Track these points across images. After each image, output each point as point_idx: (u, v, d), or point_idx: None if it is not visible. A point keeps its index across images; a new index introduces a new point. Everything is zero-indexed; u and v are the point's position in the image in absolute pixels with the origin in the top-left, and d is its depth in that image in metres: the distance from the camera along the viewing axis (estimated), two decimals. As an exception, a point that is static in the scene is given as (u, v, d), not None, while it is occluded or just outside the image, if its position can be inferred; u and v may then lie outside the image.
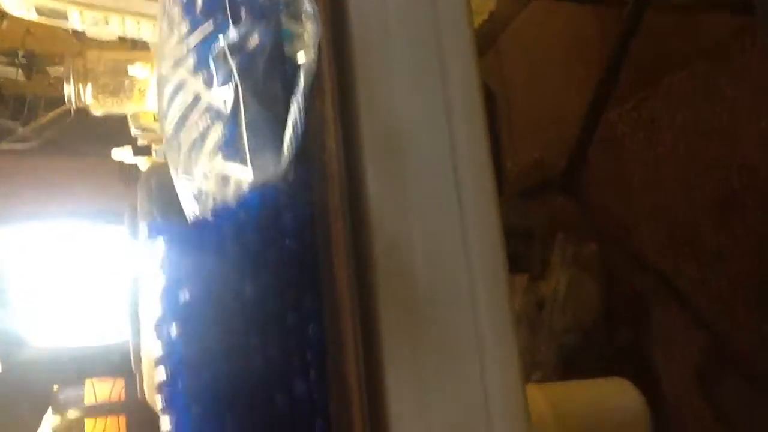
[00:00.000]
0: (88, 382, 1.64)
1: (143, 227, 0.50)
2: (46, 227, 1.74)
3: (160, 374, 0.48)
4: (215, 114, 0.53)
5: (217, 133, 0.53)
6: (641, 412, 1.33)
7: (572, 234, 1.60)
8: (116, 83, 1.36)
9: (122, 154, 1.49)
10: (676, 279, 1.36)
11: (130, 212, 1.46)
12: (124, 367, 1.60)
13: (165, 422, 0.47)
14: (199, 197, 0.57)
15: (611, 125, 1.51)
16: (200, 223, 0.51)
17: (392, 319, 0.53)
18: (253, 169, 0.51)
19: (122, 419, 1.61)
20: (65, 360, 1.69)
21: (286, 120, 0.52)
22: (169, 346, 0.48)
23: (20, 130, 1.67)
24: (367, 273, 0.54)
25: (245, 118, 0.51)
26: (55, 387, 1.64)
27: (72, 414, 1.61)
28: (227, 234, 0.51)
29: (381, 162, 0.55)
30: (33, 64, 1.95)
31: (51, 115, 1.66)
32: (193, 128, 0.55)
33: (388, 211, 0.54)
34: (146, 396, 1.19)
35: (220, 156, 0.52)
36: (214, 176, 0.53)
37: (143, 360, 1.30)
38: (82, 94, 1.33)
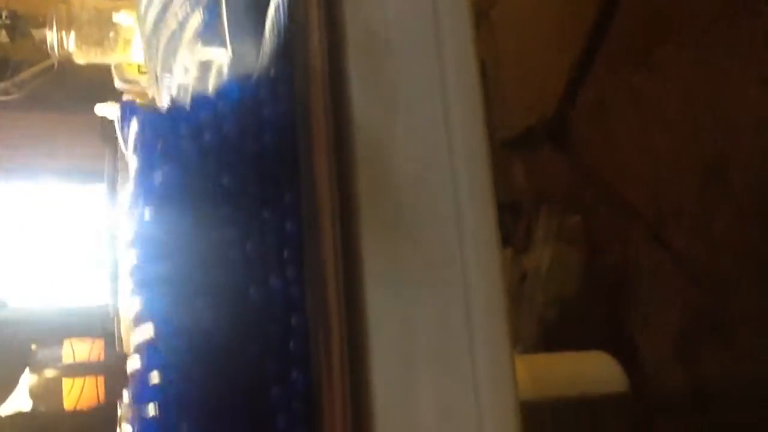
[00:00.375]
0: (66, 342, 1.62)
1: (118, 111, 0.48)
2: (26, 185, 1.71)
3: (131, 257, 0.46)
4: (195, 1, 0.52)
5: (196, 19, 0.51)
6: (621, 385, 1.33)
7: (557, 204, 1.59)
8: (100, 33, 1.34)
9: (106, 109, 1.46)
10: (660, 246, 1.36)
11: (110, 167, 1.44)
12: (104, 327, 1.58)
13: (135, 304, 0.46)
14: (178, 92, 0.55)
15: (600, 97, 1.51)
16: (176, 109, 0.49)
17: (372, 219, 0.52)
18: (233, 54, 0.49)
19: (100, 380, 1.58)
20: (44, 319, 1.67)
21: (267, 10, 0.51)
22: (141, 227, 0.46)
23: (3, 84, 1.65)
24: (348, 172, 0.52)
25: (225, 4, 0.50)
26: (33, 346, 1.62)
27: (50, 373, 1.58)
28: (204, 122, 0.49)
29: (365, 61, 0.54)
30: (17, 25, 1.92)
31: (35, 69, 1.64)
32: (173, 19, 0.54)
33: (371, 109, 0.53)
34: (125, 350, 1.17)
35: (199, 43, 0.51)
36: (194, 65, 0.52)
37: (122, 317, 1.28)
38: (65, 42, 1.31)
